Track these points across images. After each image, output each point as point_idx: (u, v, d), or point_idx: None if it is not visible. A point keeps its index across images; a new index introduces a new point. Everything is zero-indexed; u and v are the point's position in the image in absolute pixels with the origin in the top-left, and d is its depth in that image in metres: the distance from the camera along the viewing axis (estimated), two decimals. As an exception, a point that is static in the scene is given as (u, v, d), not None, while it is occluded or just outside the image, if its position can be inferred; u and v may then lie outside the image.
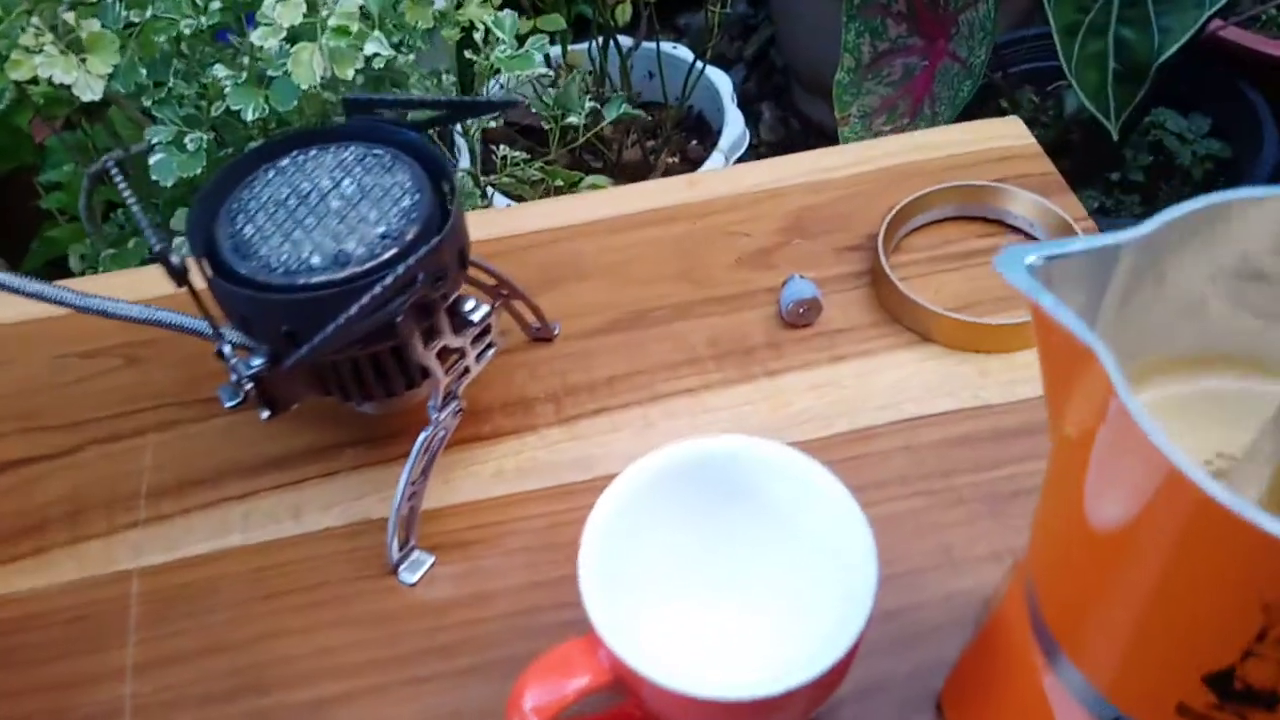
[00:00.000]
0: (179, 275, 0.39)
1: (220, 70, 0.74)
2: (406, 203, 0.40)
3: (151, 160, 0.76)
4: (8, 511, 0.48)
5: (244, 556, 0.46)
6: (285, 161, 0.42)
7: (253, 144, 0.80)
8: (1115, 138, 0.86)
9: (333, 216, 0.39)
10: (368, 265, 0.38)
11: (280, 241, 0.39)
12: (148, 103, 0.76)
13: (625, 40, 1.15)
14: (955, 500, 0.45)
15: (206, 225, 0.40)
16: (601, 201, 0.59)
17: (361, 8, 0.72)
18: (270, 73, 0.74)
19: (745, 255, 0.55)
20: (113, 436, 0.50)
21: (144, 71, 0.75)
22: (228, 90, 0.74)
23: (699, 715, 0.33)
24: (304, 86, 0.71)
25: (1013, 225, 0.54)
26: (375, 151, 0.41)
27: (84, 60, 0.73)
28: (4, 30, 0.73)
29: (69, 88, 0.73)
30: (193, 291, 0.40)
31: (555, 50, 1.18)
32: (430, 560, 0.45)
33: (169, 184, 0.75)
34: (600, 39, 1.08)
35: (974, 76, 0.90)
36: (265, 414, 0.42)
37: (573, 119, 0.78)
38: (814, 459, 0.36)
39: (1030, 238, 0.54)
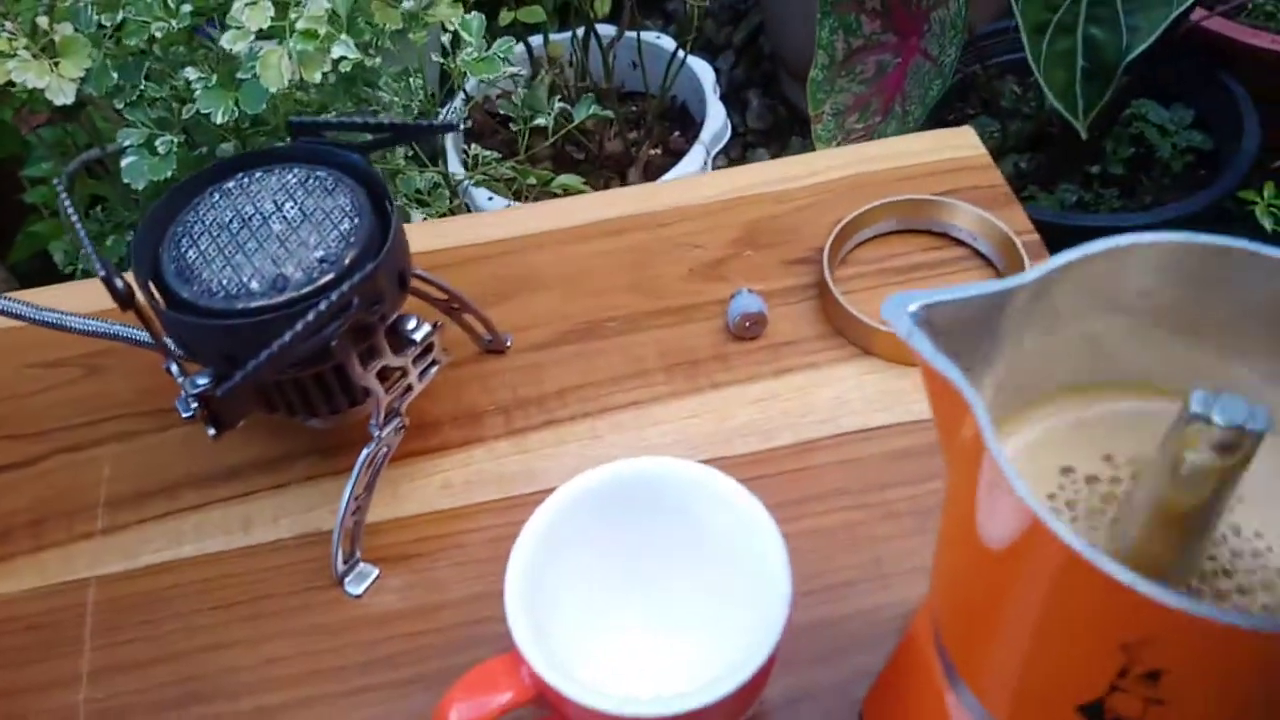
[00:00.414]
0: (124, 300, 0.40)
1: (191, 73, 0.75)
2: (345, 226, 0.41)
3: (124, 163, 0.77)
4: (-30, 521, 0.49)
5: (195, 567, 0.47)
6: (231, 184, 0.42)
7: (223, 148, 0.81)
8: (1084, 136, 0.87)
9: (273, 240, 0.40)
10: (305, 290, 0.39)
11: (222, 265, 0.40)
12: (120, 105, 0.77)
13: (608, 29, 1.15)
14: (888, 514, 0.46)
15: (153, 247, 0.41)
16: (559, 211, 0.60)
17: (329, 10, 0.73)
18: (240, 75, 0.74)
19: (697, 267, 0.56)
20: (74, 446, 0.51)
21: (115, 75, 0.75)
22: (198, 93, 0.74)
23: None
24: (272, 89, 0.72)
25: (957, 238, 0.55)
26: (318, 174, 0.42)
27: (56, 64, 0.74)
28: (-24, 33, 0.74)
29: (42, 91, 0.74)
30: (139, 314, 0.41)
31: (537, 40, 1.18)
32: (375, 573, 0.46)
33: (140, 186, 0.76)
34: (580, 30, 1.09)
35: (944, 76, 0.90)
36: (211, 432, 0.43)
37: (540, 120, 0.79)
38: (733, 478, 0.37)
39: (974, 251, 0.55)
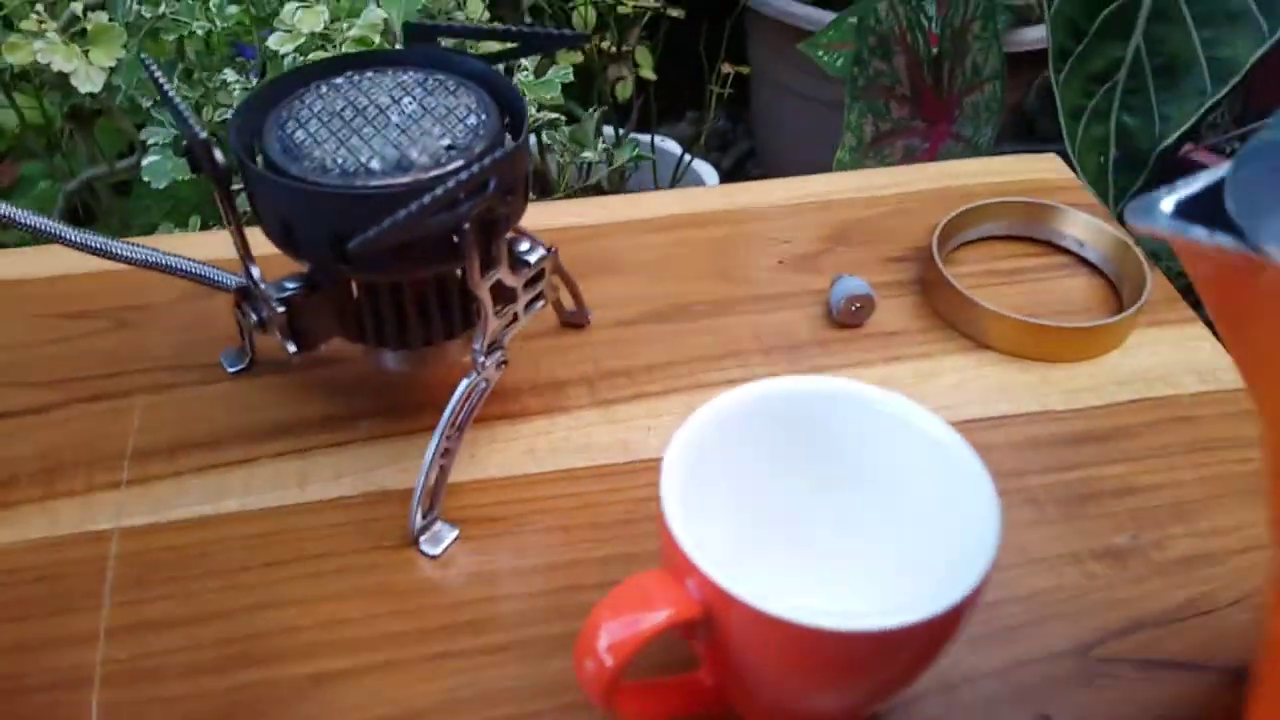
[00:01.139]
0: (221, 173, 0.36)
1: (230, 75, 0.72)
2: (472, 120, 0.37)
3: (145, 161, 0.73)
4: (-30, 464, 0.42)
5: (241, 523, 0.40)
6: (340, 80, 0.39)
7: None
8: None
9: (393, 129, 0.36)
10: (433, 173, 0.35)
11: (336, 147, 0.35)
12: (147, 103, 0.73)
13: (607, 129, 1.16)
14: (1028, 500, 0.42)
15: (249, 134, 0.37)
16: (631, 204, 0.56)
17: (384, 19, 0.71)
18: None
19: (788, 259, 0.53)
20: (95, 396, 0.45)
21: (155, 68, 0.72)
22: (236, 93, 0.71)
23: (800, 654, 0.28)
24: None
25: (1061, 246, 0.53)
26: (437, 76, 0.39)
27: (87, 52, 0.70)
28: (9, 14, 0.70)
29: (68, 77, 0.70)
30: (228, 193, 0.36)
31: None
32: (455, 533, 0.40)
33: (161, 186, 0.72)
34: (598, 110, 1.09)
35: (980, 152, 0.91)
36: (292, 348, 0.38)
37: (588, 154, 0.76)
38: (920, 404, 0.33)
39: (1082, 260, 0.53)
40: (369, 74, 0.39)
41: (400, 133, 0.36)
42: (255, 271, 0.38)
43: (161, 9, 0.72)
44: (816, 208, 0.56)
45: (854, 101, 0.97)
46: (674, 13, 1.18)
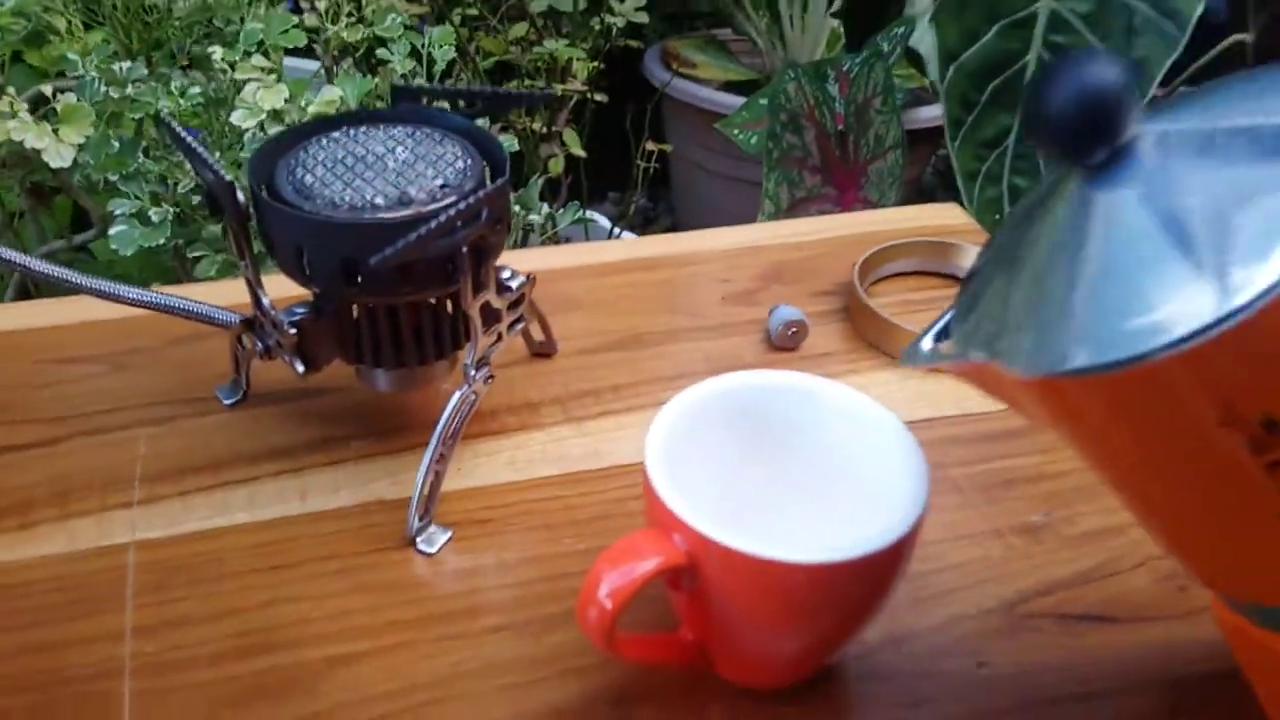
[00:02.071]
0: (243, 213, 0.40)
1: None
2: (461, 165, 0.42)
3: (113, 230, 0.76)
4: (-15, 493, 0.45)
5: (249, 533, 0.44)
6: (337, 134, 0.44)
7: (211, 229, 0.81)
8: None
9: (391, 172, 0.41)
10: (431, 207, 0.40)
11: (342, 188, 0.40)
12: (113, 177, 0.77)
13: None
14: (953, 487, 0.48)
15: (261, 178, 0.42)
16: (587, 251, 0.62)
17: (340, 97, 0.76)
18: (244, 155, 0.76)
19: (729, 295, 0.59)
20: (100, 429, 0.49)
21: (116, 145, 0.76)
22: (200, 167, 0.75)
23: (768, 589, 0.33)
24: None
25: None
26: (424, 130, 0.44)
27: (56, 130, 0.74)
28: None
29: (39, 153, 0.74)
30: (245, 230, 0.41)
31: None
32: (448, 534, 0.44)
33: (129, 253, 0.75)
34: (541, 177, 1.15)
35: (887, 216, 0.99)
36: (300, 368, 0.43)
37: (534, 216, 0.82)
38: (860, 393, 0.39)
39: (984, 288, 0.60)
40: (363, 129, 0.44)
41: (398, 175, 0.41)
42: (265, 301, 0.42)
43: (128, 90, 0.76)
44: (751, 252, 0.63)
45: (770, 171, 1.05)
46: (599, 97, 1.26)
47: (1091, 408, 0.26)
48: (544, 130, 1.19)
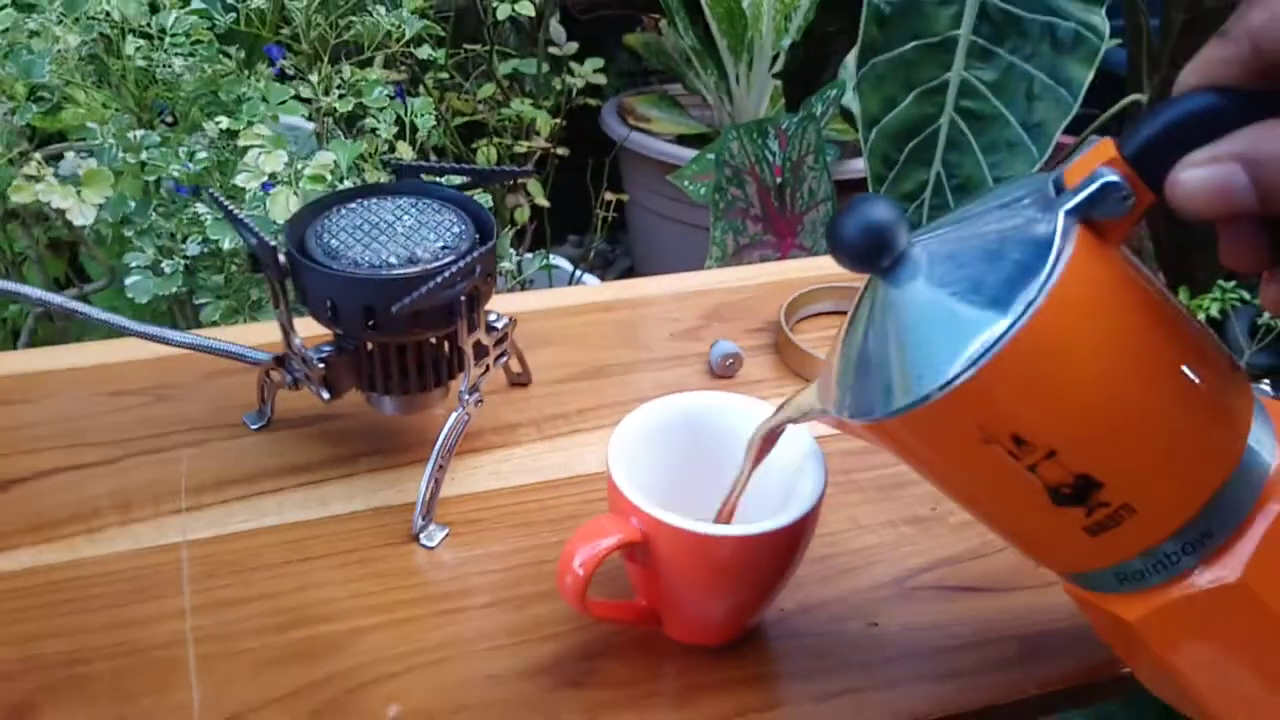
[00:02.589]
0: (282, 271, 0.50)
1: (201, 207, 0.86)
2: (457, 229, 0.52)
3: (129, 281, 0.85)
4: (60, 503, 0.54)
5: (280, 532, 0.54)
6: (353, 204, 0.54)
7: (215, 279, 0.90)
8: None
9: (400, 236, 0.52)
10: (435, 264, 0.50)
11: (362, 250, 0.50)
12: (129, 233, 0.87)
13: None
14: (855, 488, 0.58)
15: (295, 242, 0.52)
16: (553, 296, 0.73)
17: (334, 162, 0.86)
18: (247, 211, 0.86)
19: (676, 332, 0.70)
20: (150, 450, 0.58)
21: (132, 204, 0.86)
22: (208, 223, 0.85)
23: (704, 559, 0.43)
24: (279, 221, 0.84)
25: (877, 316, 0.71)
26: (424, 201, 0.54)
27: (79, 191, 0.84)
28: (10, 160, 0.84)
29: (63, 212, 0.83)
30: (282, 285, 0.51)
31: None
32: (445, 531, 0.54)
33: (144, 301, 0.84)
34: (511, 229, 1.25)
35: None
36: (326, 396, 0.52)
37: (505, 263, 0.93)
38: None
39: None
40: (374, 200, 0.54)
41: (406, 238, 0.51)
42: (297, 341, 0.52)
43: (143, 156, 0.86)
44: (695, 295, 0.74)
45: (717, 221, 1.16)
46: (561, 151, 1.37)
47: (900, 440, 0.36)
48: (511, 183, 1.30)
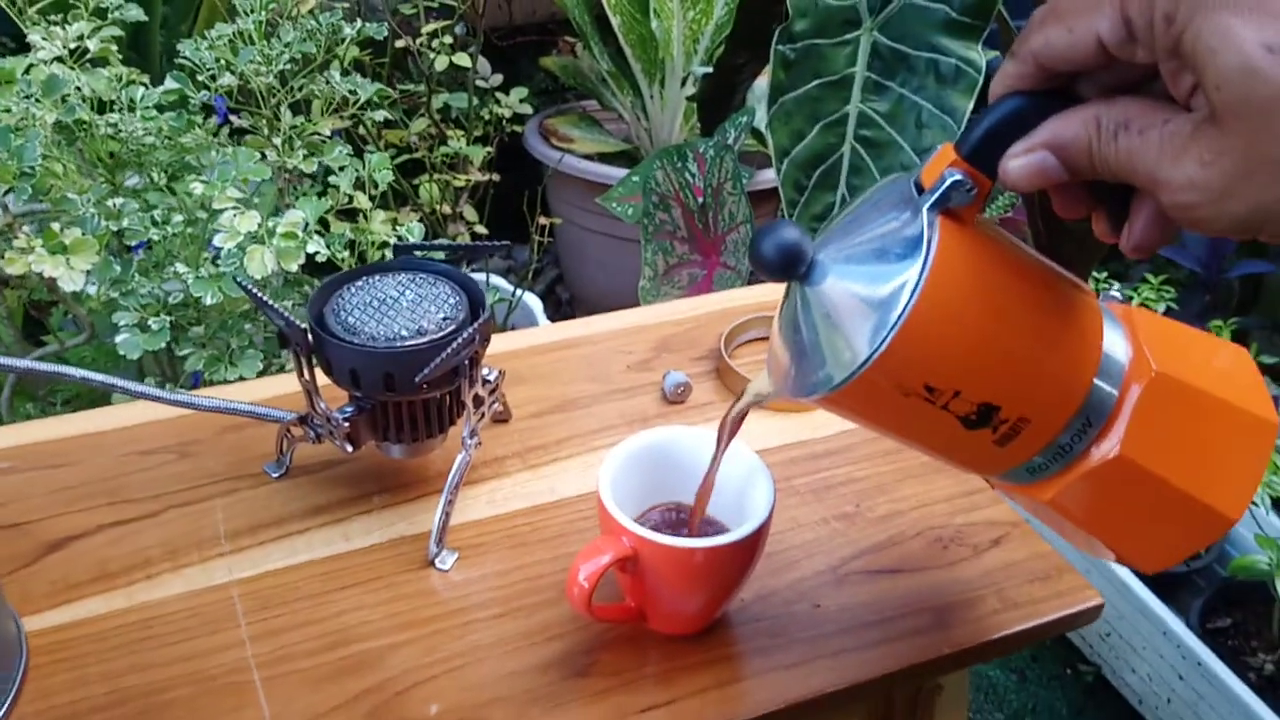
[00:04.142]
0: (308, 348, 0.59)
1: (181, 267, 0.94)
2: (453, 301, 0.62)
3: (119, 339, 0.93)
4: (114, 555, 0.63)
5: (313, 566, 0.63)
6: (360, 282, 0.63)
7: (195, 330, 0.98)
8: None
9: (405, 311, 0.61)
10: (439, 336, 0.60)
11: (376, 324, 0.60)
12: (114, 294, 0.94)
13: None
14: (793, 492, 0.70)
15: (315, 318, 0.61)
16: (520, 336, 0.82)
17: (303, 219, 0.95)
18: (223, 268, 0.94)
19: (632, 364, 0.80)
20: (186, 502, 0.67)
21: (117, 268, 0.93)
22: (189, 281, 0.93)
23: (679, 566, 0.54)
24: (257, 277, 0.92)
25: (801, 340, 0.83)
26: (420, 275, 0.64)
27: (68, 260, 0.90)
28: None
29: (54, 280, 0.90)
30: (309, 363, 0.60)
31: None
32: (456, 555, 0.64)
33: (135, 356, 0.92)
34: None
35: (743, 277, 1.22)
36: (349, 448, 0.62)
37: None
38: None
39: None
40: (376, 277, 0.64)
41: (411, 312, 0.61)
42: (321, 404, 0.61)
43: (124, 223, 0.93)
44: (644, 329, 0.84)
45: (647, 243, 1.27)
46: (494, 177, 1.46)
47: (839, 405, 0.46)
48: (449, 212, 1.39)
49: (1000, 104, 0.42)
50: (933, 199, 0.42)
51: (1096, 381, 0.45)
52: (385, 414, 0.63)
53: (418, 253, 0.66)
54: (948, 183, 0.42)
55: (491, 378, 0.64)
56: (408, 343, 0.59)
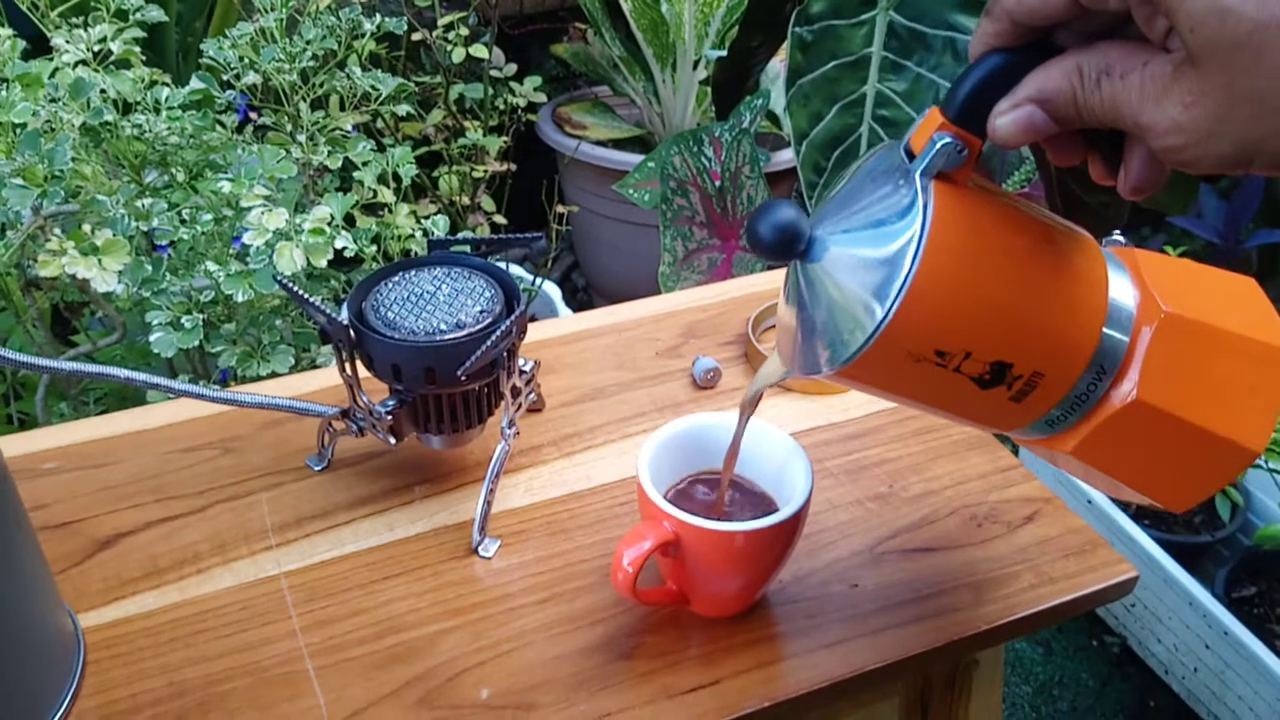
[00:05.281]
0: (353, 345, 0.61)
1: (212, 265, 0.95)
2: (489, 294, 0.63)
3: (153, 337, 0.94)
4: (164, 551, 0.64)
5: (360, 556, 0.64)
6: (396, 278, 0.64)
7: (226, 328, 0.99)
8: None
9: (443, 305, 0.62)
10: (477, 329, 0.61)
11: (415, 319, 0.61)
12: (146, 294, 0.95)
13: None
14: (827, 474, 0.71)
15: (355, 314, 0.62)
16: (549, 326, 0.83)
17: (330, 214, 0.96)
18: (253, 265, 0.95)
19: (660, 351, 0.81)
20: (231, 497, 0.68)
21: (149, 268, 0.94)
22: (221, 279, 0.94)
23: (721, 549, 0.55)
24: (287, 273, 0.93)
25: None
26: (455, 269, 0.65)
27: (100, 261, 0.92)
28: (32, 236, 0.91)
29: (87, 281, 0.91)
30: (351, 358, 0.61)
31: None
32: (498, 543, 0.65)
33: (170, 355, 0.93)
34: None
35: (763, 261, 1.23)
36: (392, 440, 0.63)
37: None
38: (766, 421, 0.61)
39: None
40: (413, 272, 0.65)
41: (449, 306, 0.62)
42: (365, 397, 0.63)
43: (154, 223, 0.94)
44: (670, 316, 0.85)
45: (666, 229, 1.28)
46: (511, 167, 1.47)
47: (854, 378, 0.46)
48: (468, 203, 1.39)
49: (981, 63, 0.41)
50: (924, 164, 0.42)
51: (1106, 330, 0.45)
52: (426, 406, 0.64)
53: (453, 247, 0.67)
54: (937, 146, 0.42)
55: (527, 368, 0.65)
56: (447, 336, 0.60)
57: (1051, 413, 0.46)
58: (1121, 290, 0.46)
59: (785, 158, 1.71)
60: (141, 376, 0.65)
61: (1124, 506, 1.43)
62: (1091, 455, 0.47)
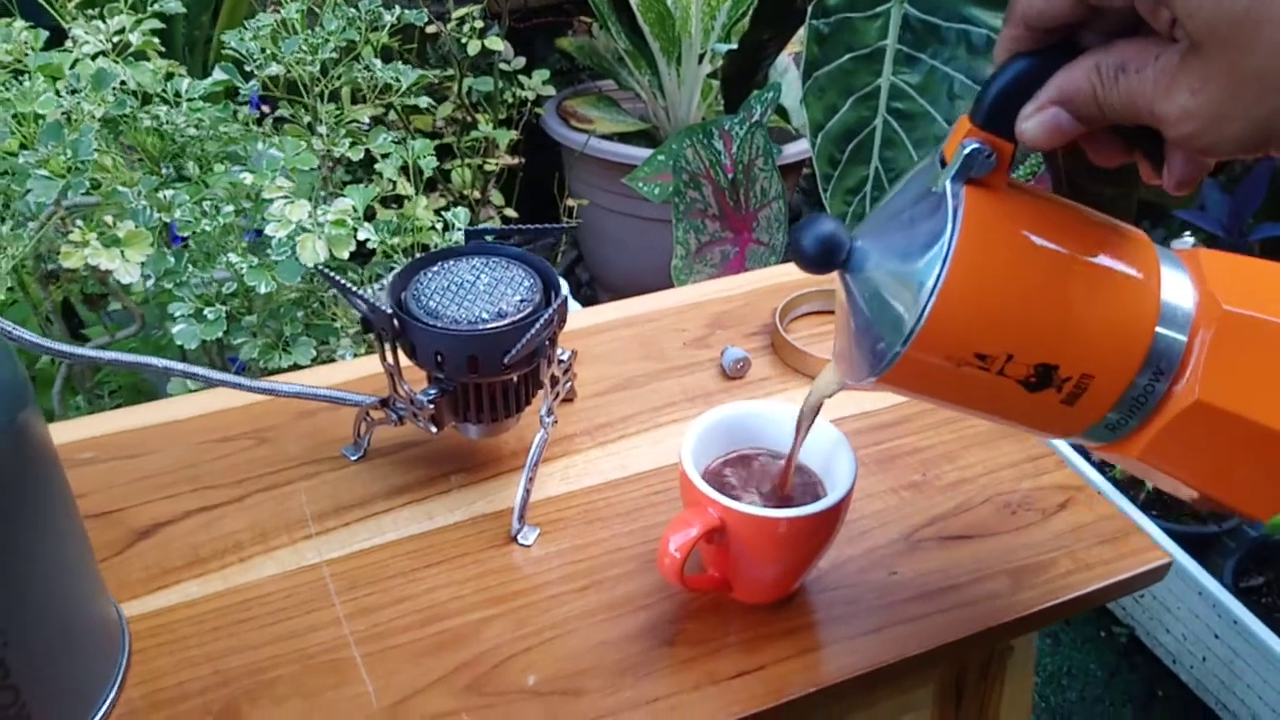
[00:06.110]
0: (396, 334, 0.61)
1: (234, 257, 0.95)
2: (528, 284, 0.63)
3: (175, 329, 0.94)
4: (204, 541, 0.64)
5: (400, 544, 0.64)
6: (435, 268, 0.64)
7: (248, 320, 0.99)
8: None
9: (483, 294, 0.62)
10: (518, 318, 0.61)
11: (457, 308, 0.61)
12: (169, 285, 0.95)
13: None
14: (860, 462, 0.71)
15: (395, 303, 0.62)
16: (580, 317, 0.84)
17: (352, 205, 0.96)
18: (275, 257, 0.95)
19: (689, 341, 0.81)
20: (269, 486, 0.68)
21: (171, 259, 0.94)
22: (244, 271, 0.94)
23: (765, 535, 0.56)
24: (310, 264, 0.93)
25: (853, 313, 0.84)
26: (494, 260, 0.65)
27: (123, 252, 0.92)
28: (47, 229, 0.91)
29: (109, 272, 0.91)
30: (394, 347, 0.61)
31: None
32: (537, 531, 0.65)
33: (193, 346, 0.93)
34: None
35: (776, 253, 1.23)
36: (434, 429, 0.63)
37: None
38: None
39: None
40: (451, 262, 0.65)
41: (489, 295, 0.62)
42: (406, 386, 0.63)
43: (176, 215, 0.94)
44: (696, 307, 0.85)
45: (678, 222, 1.28)
46: (521, 160, 1.47)
47: (900, 385, 0.47)
48: (479, 196, 1.40)
49: (1006, 68, 0.42)
50: (953, 171, 0.43)
51: (1159, 329, 0.44)
52: (466, 395, 0.64)
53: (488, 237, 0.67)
54: (965, 152, 0.42)
55: (564, 358, 0.65)
56: (489, 325, 0.60)
57: (1109, 416, 0.46)
58: (1178, 289, 0.45)
59: (792, 151, 1.72)
60: (180, 366, 0.65)
61: (1132, 496, 1.44)
62: (1160, 460, 0.46)
